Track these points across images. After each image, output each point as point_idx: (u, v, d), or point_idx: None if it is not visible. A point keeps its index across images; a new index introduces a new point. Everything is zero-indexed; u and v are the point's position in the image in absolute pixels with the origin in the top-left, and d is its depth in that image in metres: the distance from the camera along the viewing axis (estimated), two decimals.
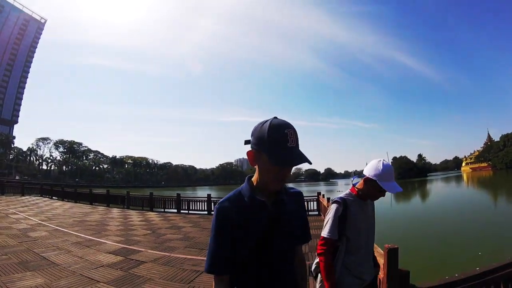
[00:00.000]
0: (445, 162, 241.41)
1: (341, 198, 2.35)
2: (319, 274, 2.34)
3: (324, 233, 2.29)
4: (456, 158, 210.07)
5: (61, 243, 8.75)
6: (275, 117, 1.37)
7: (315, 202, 15.34)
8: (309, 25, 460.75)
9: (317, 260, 2.35)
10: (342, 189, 73.75)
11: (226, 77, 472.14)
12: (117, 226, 12.28)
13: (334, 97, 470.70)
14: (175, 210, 17.81)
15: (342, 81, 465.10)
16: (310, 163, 1.31)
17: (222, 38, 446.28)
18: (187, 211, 17.39)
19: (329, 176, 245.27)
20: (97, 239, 9.46)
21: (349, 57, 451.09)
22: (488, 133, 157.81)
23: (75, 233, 10.39)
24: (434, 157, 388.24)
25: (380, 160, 2.31)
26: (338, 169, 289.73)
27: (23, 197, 26.85)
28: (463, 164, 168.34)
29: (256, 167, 1.42)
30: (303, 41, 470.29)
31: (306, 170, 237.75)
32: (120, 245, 8.75)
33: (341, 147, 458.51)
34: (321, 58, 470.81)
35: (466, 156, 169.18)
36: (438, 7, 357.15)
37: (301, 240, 1.65)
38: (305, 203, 15.37)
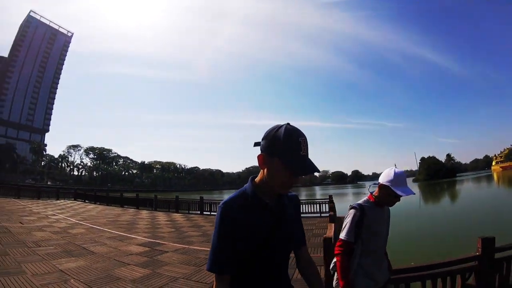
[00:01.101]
0: (475, 161, 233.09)
1: (358, 204, 2.55)
2: (335, 273, 2.59)
3: (342, 235, 2.52)
4: (486, 156, 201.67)
5: (97, 238, 10.36)
6: (288, 123, 1.43)
7: (327, 204, 16.29)
8: (332, 25, 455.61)
9: (334, 260, 2.59)
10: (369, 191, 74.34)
11: (251, 80, 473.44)
12: (145, 225, 13.86)
13: (360, 96, 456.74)
14: (199, 212, 19.38)
15: (367, 80, 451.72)
16: (319, 172, 1.43)
17: (245, 42, 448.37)
18: (209, 213, 18.90)
19: (356, 178, 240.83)
20: (128, 235, 11.03)
21: (374, 56, 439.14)
22: None
23: (109, 230, 12.02)
24: (464, 157, 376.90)
25: (392, 168, 2.52)
26: (366, 171, 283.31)
27: (58, 201, 29.09)
28: (493, 163, 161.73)
29: (263, 170, 1.47)
30: (328, 42, 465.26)
31: (333, 173, 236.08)
32: (147, 239, 10.29)
33: (368, 148, 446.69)
34: (346, 57, 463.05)
35: (496, 155, 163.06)
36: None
37: (299, 243, 1.72)
38: (319, 205, 16.63)
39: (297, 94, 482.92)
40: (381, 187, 2.52)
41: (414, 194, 2.44)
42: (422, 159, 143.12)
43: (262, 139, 1.44)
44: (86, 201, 29.19)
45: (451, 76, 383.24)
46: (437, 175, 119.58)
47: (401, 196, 2.39)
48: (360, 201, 2.58)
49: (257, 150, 1.45)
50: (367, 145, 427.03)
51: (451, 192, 51.98)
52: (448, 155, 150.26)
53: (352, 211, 2.51)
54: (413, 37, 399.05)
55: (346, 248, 2.45)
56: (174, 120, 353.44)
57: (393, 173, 2.46)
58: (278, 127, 1.41)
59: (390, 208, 2.69)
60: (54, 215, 16.78)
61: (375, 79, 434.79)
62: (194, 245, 9.45)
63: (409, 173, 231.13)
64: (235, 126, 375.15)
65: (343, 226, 2.56)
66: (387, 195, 2.47)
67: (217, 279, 1.42)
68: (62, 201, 29.40)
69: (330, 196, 16.49)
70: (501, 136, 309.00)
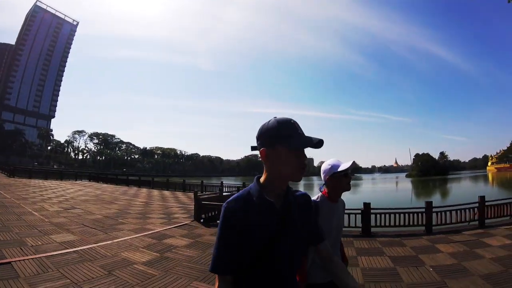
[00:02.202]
0: (474, 160, 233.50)
1: (313, 200, 2.29)
2: None
3: None
4: (485, 156, 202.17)
5: (120, 196, 19.19)
6: (275, 117, 1.48)
7: None
8: (341, 15, 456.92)
9: None
10: (367, 184, 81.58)
11: (255, 69, 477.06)
12: (144, 196, 22.68)
13: (365, 89, 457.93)
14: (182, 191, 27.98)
15: (373, 72, 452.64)
16: (322, 142, 1.40)
17: (252, 29, 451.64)
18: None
19: (354, 171, 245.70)
20: (133, 198, 19.86)
21: (382, 48, 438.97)
22: None
23: (123, 196, 20.88)
24: (466, 155, 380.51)
25: (325, 161, 2.64)
26: (365, 164, 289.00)
27: (77, 181, 38.30)
28: (489, 163, 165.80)
29: (266, 167, 1.48)
30: (335, 32, 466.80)
31: None
32: (144, 200, 19.09)
33: (370, 141, 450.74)
34: (353, 48, 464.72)
35: (492, 155, 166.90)
36: None
37: (313, 241, 1.71)
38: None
39: (301, 84, 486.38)
40: (327, 181, 2.58)
41: (354, 162, 2.57)
42: (416, 155, 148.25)
43: (257, 140, 1.48)
44: (99, 182, 38.23)
45: (459, 73, 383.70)
46: (429, 172, 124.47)
47: (346, 168, 2.46)
48: (313, 198, 2.54)
49: (254, 139, 1.51)
50: (369, 138, 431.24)
51: (439, 189, 55.87)
52: (442, 153, 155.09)
53: None
54: (422, 31, 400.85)
55: None
56: (177, 105, 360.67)
57: (327, 164, 2.58)
58: (267, 122, 1.47)
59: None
60: (82, 189, 25.62)
61: (382, 72, 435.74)
62: (169, 202, 18.28)
63: (403, 168, 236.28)
64: (237, 114, 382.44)
65: None
66: (336, 183, 2.55)
67: (219, 279, 1.43)
68: (79, 181, 38.50)
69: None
70: (502, 137, 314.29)
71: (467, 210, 10.27)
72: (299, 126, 1.47)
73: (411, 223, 9.88)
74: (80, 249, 7.19)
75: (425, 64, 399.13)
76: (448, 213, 10.13)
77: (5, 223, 9.55)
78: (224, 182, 26.57)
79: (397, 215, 9.91)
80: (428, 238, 8.85)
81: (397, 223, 9.89)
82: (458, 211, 10.21)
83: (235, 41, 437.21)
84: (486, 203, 10.30)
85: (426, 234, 9.42)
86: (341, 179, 2.52)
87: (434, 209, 9.91)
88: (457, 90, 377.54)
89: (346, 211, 2.62)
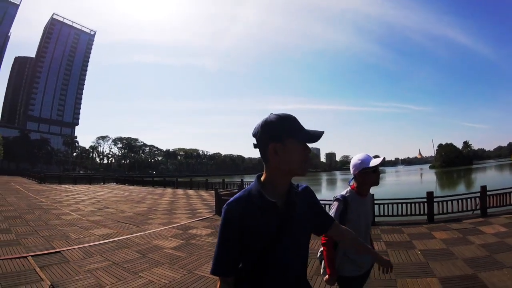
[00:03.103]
0: (499, 149, 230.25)
1: (342, 195, 2.64)
2: (322, 261, 2.71)
3: None
4: (510, 144, 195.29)
5: (147, 196, 20.43)
6: (271, 113, 1.48)
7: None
8: (354, 6, 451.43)
9: (321, 249, 2.69)
10: (391, 177, 79.85)
11: (273, 65, 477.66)
12: (169, 195, 23.89)
13: (384, 79, 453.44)
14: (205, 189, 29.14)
15: (392, 62, 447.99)
16: (322, 133, 1.44)
17: (265, 27, 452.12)
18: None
19: None
20: (159, 198, 21.07)
21: (399, 37, 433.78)
22: None
23: (150, 196, 22.12)
24: (490, 143, 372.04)
25: (355, 156, 2.71)
26: (387, 157, 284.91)
27: (105, 185, 40.16)
28: None
29: (273, 163, 1.45)
30: (350, 23, 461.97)
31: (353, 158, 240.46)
32: (169, 199, 20.26)
33: (390, 133, 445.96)
34: (369, 39, 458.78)
35: None
36: None
37: (325, 226, 1.73)
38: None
39: (319, 78, 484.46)
40: (356, 176, 2.63)
41: (384, 158, 2.66)
42: (440, 145, 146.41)
43: (257, 138, 1.47)
44: (126, 184, 39.81)
45: (480, 60, 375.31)
46: (453, 162, 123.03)
47: (376, 165, 2.52)
48: (343, 193, 2.67)
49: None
50: (391, 129, 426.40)
51: (465, 179, 55.54)
52: (465, 142, 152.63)
53: (336, 203, 2.62)
54: (439, 17, 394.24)
55: (331, 238, 2.46)
56: (197, 107, 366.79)
57: (357, 159, 2.63)
58: (266, 118, 1.46)
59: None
60: (112, 191, 27.06)
61: (400, 61, 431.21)
62: (192, 199, 19.38)
63: (427, 160, 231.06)
64: (258, 111, 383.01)
65: None
66: (365, 179, 2.61)
67: (221, 281, 1.46)
68: (107, 185, 40.29)
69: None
70: None
71: (468, 199, 10.54)
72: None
73: (414, 212, 10.32)
74: (117, 239, 8.34)
75: (444, 51, 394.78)
76: (449, 202, 10.53)
77: (47, 222, 10.76)
78: (244, 180, 27.52)
79: (399, 205, 10.42)
80: (428, 226, 9.32)
81: (399, 213, 10.39)
82: (460, 201, 10.52)
83: (250, 40, 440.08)
84: (488, 193, 10.51)
85: (428, 223, 9.84)
86: (370, 175, 2.59)
87: (435, 199, 10.29)
88: (478, 76, 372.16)
89: None
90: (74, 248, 7.27)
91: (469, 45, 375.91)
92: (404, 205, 10.41)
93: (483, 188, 10.57)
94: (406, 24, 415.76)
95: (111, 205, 16.23)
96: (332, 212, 2.58)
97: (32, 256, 6.45)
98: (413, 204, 10.42)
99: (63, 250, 7.05)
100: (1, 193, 20.71)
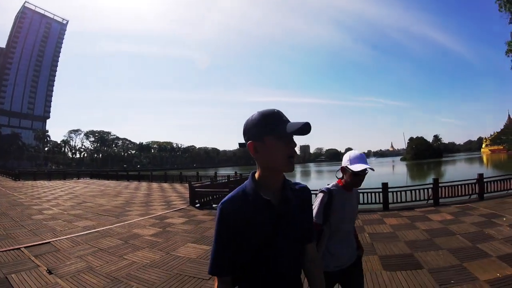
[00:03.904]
0: (469, 142, 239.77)
1: (327, 188, 2.64)
2: None
3: None
4: (480, 138, 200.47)
5: (123, 189, 21.14)
6: (258, 111, 1.45)
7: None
8: (335, 1, 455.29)
9: None
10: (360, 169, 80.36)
11: (249, 57, 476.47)
12: (144, 188, 24.60)
13: (361, 74, 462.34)
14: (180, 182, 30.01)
15: (370, 58, 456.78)
16: (309, 126, 1.35)
17: (243, 17, 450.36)
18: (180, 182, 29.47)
19: None
20: (135, 191, 21.77)
21: (378, 34, 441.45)
22: (509, 115, 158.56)
23: (126, 189, 22.81)
24: (462, 138, 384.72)
25: (349, 151, 2.66)
26: (360, 149, 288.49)
27: (80, 179, 40.42)
28: (483, 145, 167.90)
29: (257, 161, 1.46)
30: (330, 18, 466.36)
31: (327, 150, 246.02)
32: (145, 192, 21.02)
33: (364, 126, 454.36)
34: (348, 35, 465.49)
35: (486, 137, 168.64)
36: None
37: (306, 239, 1.64)
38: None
39: (297, 71, 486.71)
40: (343, 170, 2.63)
41: (370, 169, 2.53)
42: (411, 139, 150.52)
43: (244, 136, 1.47)
44: (100, 179, 40.08)
45: (458, 59, 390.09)
46: (423, 155, 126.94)
47: (356, 171, 2.48)
48: (329, 185, 2.68)
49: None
50: (365, 123, 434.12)
51: (434, 171, 58.13)
52: (435, 136, 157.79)
53: (321, 194, 2.61)
54: (419, 15, 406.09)
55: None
56: (172, 98, 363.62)
57: (348, 155, 2.61)
58: (251, 116, 1.45)
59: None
60: (87, 186, 27.52)
61: (378, 57, 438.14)
62: (167, 192, 20.23)
63: (399, 152, 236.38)
64: (232, 103, 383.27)
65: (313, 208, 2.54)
66: (347, 177, 2.60)
67: (218, 280, 1.45)
68: (82, 179, 40.54)
69: None
70: (497, 120, 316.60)
71: (421, 190, 11.62)
72: (284, 114, 1.44)
73: (371, 201, 11.18)
74: (100, 230, 9.26)
75: (422, 48, 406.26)
76: (403, 193, 11.54)
77: (31, 217, 11.48)
78: (218, 173, 28.50)
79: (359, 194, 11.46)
80: (382, 213, 10.20)
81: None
82: (413, 191, 11.57)
83: (229, 31, 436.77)
84: (440, 184, 11.63)
85: (382, 210, 10.78)
86: (352, 176, 2.56)
87: (390, 189, 11.27)
88: (453, 73, 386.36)
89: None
90: (62, 239, 8.13)
91: (446, 43, 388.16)
92: (362, 194, 10.79)
93: (435, 180, 11.75)
94: (386, 22, 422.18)
95: (89, 200, 16.90)
96: (316, 203, 2.59)
97: (25, 247, 7.27)
98: (370, 194, 11.33)
99: (52, 241, 7.89)
100: None
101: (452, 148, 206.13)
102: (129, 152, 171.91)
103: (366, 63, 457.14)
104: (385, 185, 11.31)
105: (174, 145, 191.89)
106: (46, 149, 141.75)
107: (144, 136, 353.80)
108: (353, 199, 2.74)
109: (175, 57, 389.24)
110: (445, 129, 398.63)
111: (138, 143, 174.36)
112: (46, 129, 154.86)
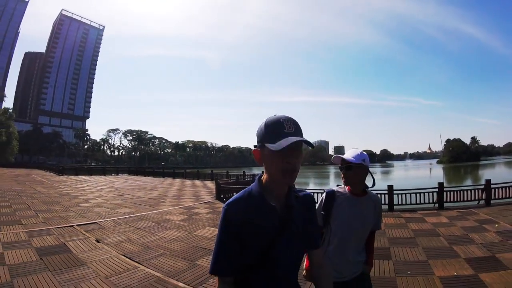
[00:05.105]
0: (509, 145, 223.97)
1: (331, 190, 2.45)
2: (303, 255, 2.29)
3: None
4: None
5: (158, 185, 23.05)
6: (275, 115, 1.40)
7: None
8: None
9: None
10: (398, 171, 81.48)
11: (282, 58, 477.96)
12: (178, 184, 26.43)
13: (394, 72, 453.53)
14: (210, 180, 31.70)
15: (402, 55, 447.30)
16: (311, 145, 1.38)
17: (274, 18, 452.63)
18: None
19: (385, 157, 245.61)
20: (169, 186, 23.62)
21: (410, 29, 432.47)
22: None
23: (161, 185, 24.70)
24: (501, 140, 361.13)
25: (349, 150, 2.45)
26: (396, 151, 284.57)
27: (119, 175, 43.29)
28: None
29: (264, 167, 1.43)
30: (361, 16, 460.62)
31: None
32: (178, 187, 22.80)
33: (401, 127, 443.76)
34: (380, 31, 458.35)
35: None
36: None
37: (310, 246, 1.63)
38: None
39: (329, 71, 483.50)
40: (340, 168, 2.41)
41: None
42: (447, 141, 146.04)
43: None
44: (137, 175, 42.79)
45: (494, 55, 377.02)
46: (460, 158, 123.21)
47: (350, 161, 2.28)
48: (336, 188, 2.49)
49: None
50: (401, 123, 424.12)
51: (472, 176, 55.23)
52: (473, 138, 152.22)
53: (323, 195, 2.45)
54: (455, 10, 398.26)
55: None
56: (207, 99, 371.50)
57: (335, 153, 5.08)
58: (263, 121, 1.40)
59: None
60: (126, 181, 29.71)
61: (411, 55, 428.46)
62: (198, 188, 21.89)
63: (436, 154, 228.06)
64: (267, 103, 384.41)
65: None
66: (342, 174, 2.40)
67: (219, 281, 1.44)
68: (121, 175, 43.28)
69: None
70: None
71: (426, 193, 11.84)
72: (291, 124, 1.34)
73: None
74: (138, 215, 11.04)
75: (456, 45, 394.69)
76: (408, 195, 11.89)
77: (79, 205, 13.39)
78: (249, 172, 30.05)
79: None
80: (384, 214, 10.41)
81: None
82: (418, 194, 11.88)
83: (261, 32, 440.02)
84: (445, 189, 11.86)
85: (387, 211, 11.08)
86: (344, 171, 2.37)
87: (395, 192, 11.68)
88: (491, 71, 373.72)
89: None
90: (106, 220, 9.93)
91: (482, 39, 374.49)
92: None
93: (440, 184, 12.11)
94: (418, 17, 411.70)
95: (128, 192, 18.90)
96: (317, 204, 2.29)
97: (77, 225, 9.08)
98: (379, 195, 12.03)
99: (99, 221, 9.67)
100: (29, 184, 23.48)
101: (491, 151, 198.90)
102: (166, 151, 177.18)
103: (398, 60, 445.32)
104: (390, 187, 11.90)
105: (209, 144, 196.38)
106: (85, 147, 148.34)
107: (180, 136, 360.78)
108: (364, 207, 2.40)
109: (207, 59, 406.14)
110: (484, 130, 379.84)
111: (174, 142, 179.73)
112: (86, 128, 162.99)
